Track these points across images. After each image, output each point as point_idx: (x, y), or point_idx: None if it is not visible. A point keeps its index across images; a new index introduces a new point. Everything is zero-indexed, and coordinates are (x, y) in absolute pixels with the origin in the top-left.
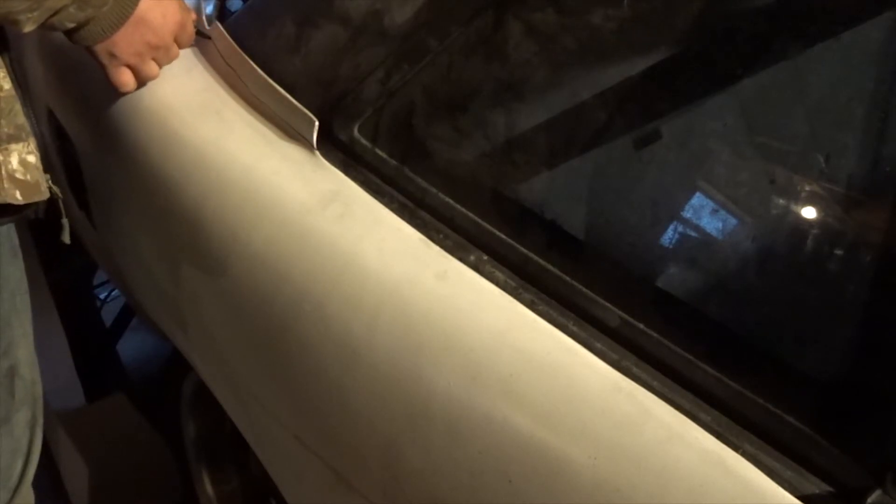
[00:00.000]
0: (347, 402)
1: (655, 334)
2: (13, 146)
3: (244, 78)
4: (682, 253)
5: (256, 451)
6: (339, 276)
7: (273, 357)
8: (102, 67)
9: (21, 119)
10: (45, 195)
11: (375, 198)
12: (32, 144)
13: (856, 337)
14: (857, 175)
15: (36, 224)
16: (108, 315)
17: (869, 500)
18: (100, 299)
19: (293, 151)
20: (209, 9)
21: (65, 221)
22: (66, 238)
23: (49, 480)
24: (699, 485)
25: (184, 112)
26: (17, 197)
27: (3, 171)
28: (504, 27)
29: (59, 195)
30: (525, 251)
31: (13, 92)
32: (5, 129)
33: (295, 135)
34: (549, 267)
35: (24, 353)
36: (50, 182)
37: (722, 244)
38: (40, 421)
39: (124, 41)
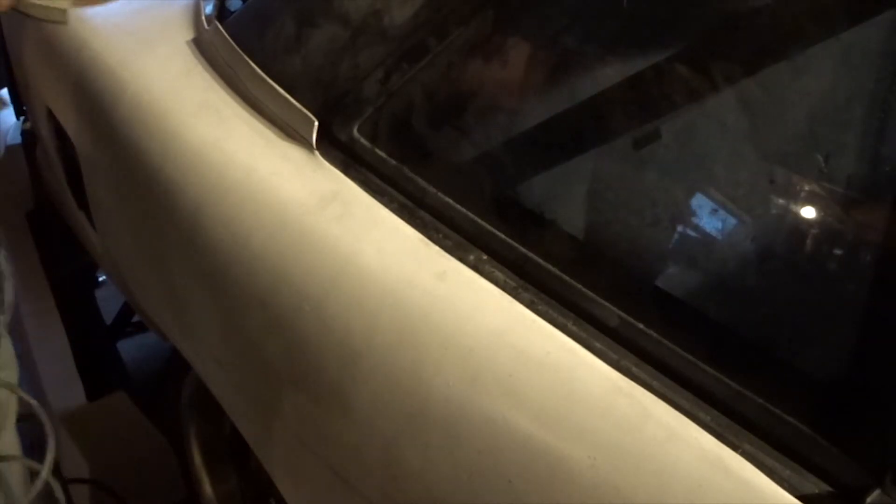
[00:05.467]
0: (347, 402)
1: (655, 334)
2: None
3: (243, 78)
4: (682, 253)
5: (256, 451)
6: (338, 276)
7: (272, 357)
8: None
9: None
10: None
11: (375, 198)
12: None
13: (856, 337)
14: (857, 175)
15: (36, 224)
16: (108, 315)
17: (868, 499)
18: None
19: (293, 151)
20: (209, 9)
21: None
22: None
23: None
24: (699, 485)
25: (183, 112)
26: None
27: None
28: (504, 27)
29: None
30: (525, 251)
31: None
32: None
33: (294, 135)
34: (549, 267)
35: None
36: None
37: (721, 244)
38: None
39: None
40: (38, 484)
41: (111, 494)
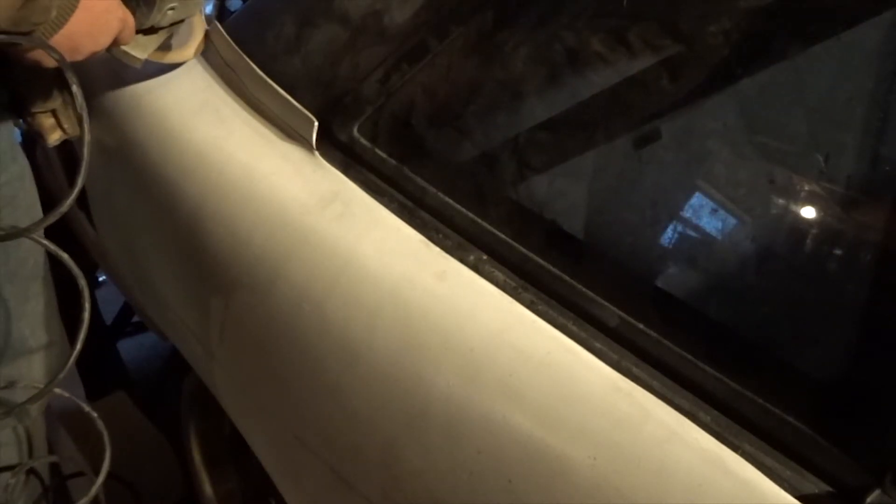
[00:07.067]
0: (347, 403)
1: (655, 334)
2: None
3: (244, 78)
4: (682, 253)
5: (256, 451)
6: (338, 276)
7: (272, 357)
8: None
9: None
10: None
11: (375, 198)
12: None
13: (855, 337)
14: (857, 175)
15: None
16: (108, 315)
17: (868, 499)
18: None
19: (293, 151)
20: (208, 9)
21: None
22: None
23: None
24: (698, 485)
25: (183, 112)
26: None
27: None
28: (503, 27)
29: None
30: (525, 251)
31: None
32: None
33: (294, 135)
34: (549, 267)
35: None
36: None
37: (721, 244)
38: None
39: None
40: (94, 490)
41: (122, 482)
